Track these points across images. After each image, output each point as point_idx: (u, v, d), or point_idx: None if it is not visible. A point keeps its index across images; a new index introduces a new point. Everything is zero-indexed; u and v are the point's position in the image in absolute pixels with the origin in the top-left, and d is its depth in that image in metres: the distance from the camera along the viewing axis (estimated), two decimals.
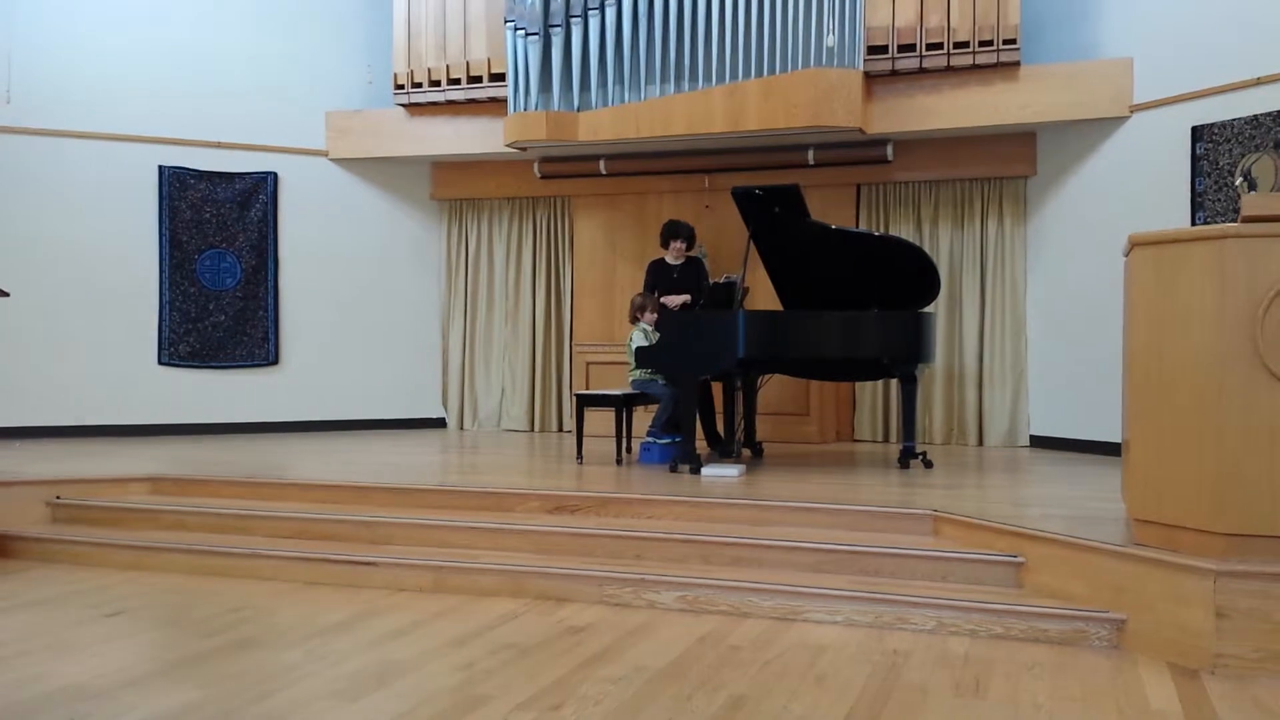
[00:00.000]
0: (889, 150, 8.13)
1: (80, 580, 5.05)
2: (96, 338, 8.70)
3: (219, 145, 9.04)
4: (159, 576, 5.14)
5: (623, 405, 6.88)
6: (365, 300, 9.48)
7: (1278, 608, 3.48)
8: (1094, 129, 7.59)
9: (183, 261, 8.93)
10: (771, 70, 7.66)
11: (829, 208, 8.22)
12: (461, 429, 9.64)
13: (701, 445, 7.14)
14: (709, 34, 7.86)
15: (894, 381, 7.95)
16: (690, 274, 7.54)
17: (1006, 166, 8.15)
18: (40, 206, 8.57)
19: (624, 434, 6.92)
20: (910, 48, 7.64)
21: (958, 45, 7.55)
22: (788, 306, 7.11)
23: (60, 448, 7.82)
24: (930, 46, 7.60)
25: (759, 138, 8.00)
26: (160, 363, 8.90)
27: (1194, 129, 6.93)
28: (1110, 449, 6.95)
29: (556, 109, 8.19)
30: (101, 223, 8.73)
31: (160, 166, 8.86)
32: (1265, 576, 3.50)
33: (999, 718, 3.13)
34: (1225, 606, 3.53)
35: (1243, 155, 6.64)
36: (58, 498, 5.95)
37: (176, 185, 8.90)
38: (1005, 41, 7.45)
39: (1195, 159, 6.93)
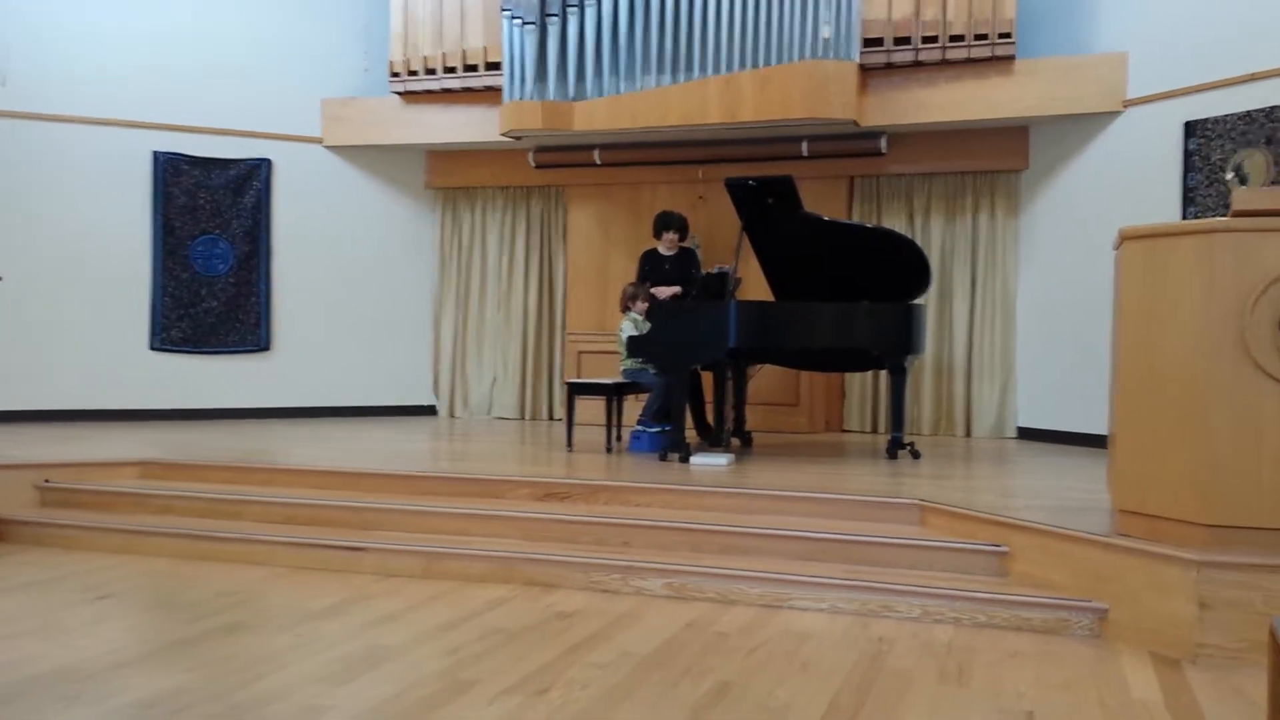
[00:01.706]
0: (883, 143, 8.14)
1: (70, 564, 5.06)
2: (89, 322, 8.69)
3: (214, 131, 9.02)
4: (148, 560, 5.15)
5: (613, 394, 6.90)
6: (358, 287, 9.48)
7: (1260, 598, 3.51)
8: (1087, 123, 7.61)
9: (176, 247, 8.92)
10: (767, 62, 7.67)
11: (822, 200, 8.22)
12: (452, 416, 9.65)
13: (691, 434, 7.15)
14: (705, 25, 7.86)
15: (883, 373, 8.00)
16: (683, 264, 7.54)
17: (999, 160, 8.17)
18: (34, 191, 8.55)
19: (614, 423, 6.95)
20: (906, 40, 7.65)
21: (953, 39, 7.56)
22: (779, 297, 7.12)
23: (51, 431, 7.81)
24: (926, 40, 7.62)
25: (754, 129, 8.00)
26: (152, 348, 8.89)
27: (1186, 124, 6.96)
28: (1097, 441, 6.98)
29: (552, 98, 8.19)
30: (95, 207, 8.71)
31: (155, 152, 8.84)
32: (1248, 568, 3.53)
33: (981, 705, 3.15)
34: (1208, 597, 3.56)
35: (1234, 151, 6.67)
36: (47, 481, 5.95)
37: (170, 171, 8.88)
38: (1000, 35, 7.46)
39: (1187, 154, 6.95)
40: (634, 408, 7.46)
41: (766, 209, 6.59)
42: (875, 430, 8.51)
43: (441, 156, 9.60)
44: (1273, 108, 6.46)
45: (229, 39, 9.05)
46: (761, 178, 6.53)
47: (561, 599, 4.42)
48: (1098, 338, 6.52)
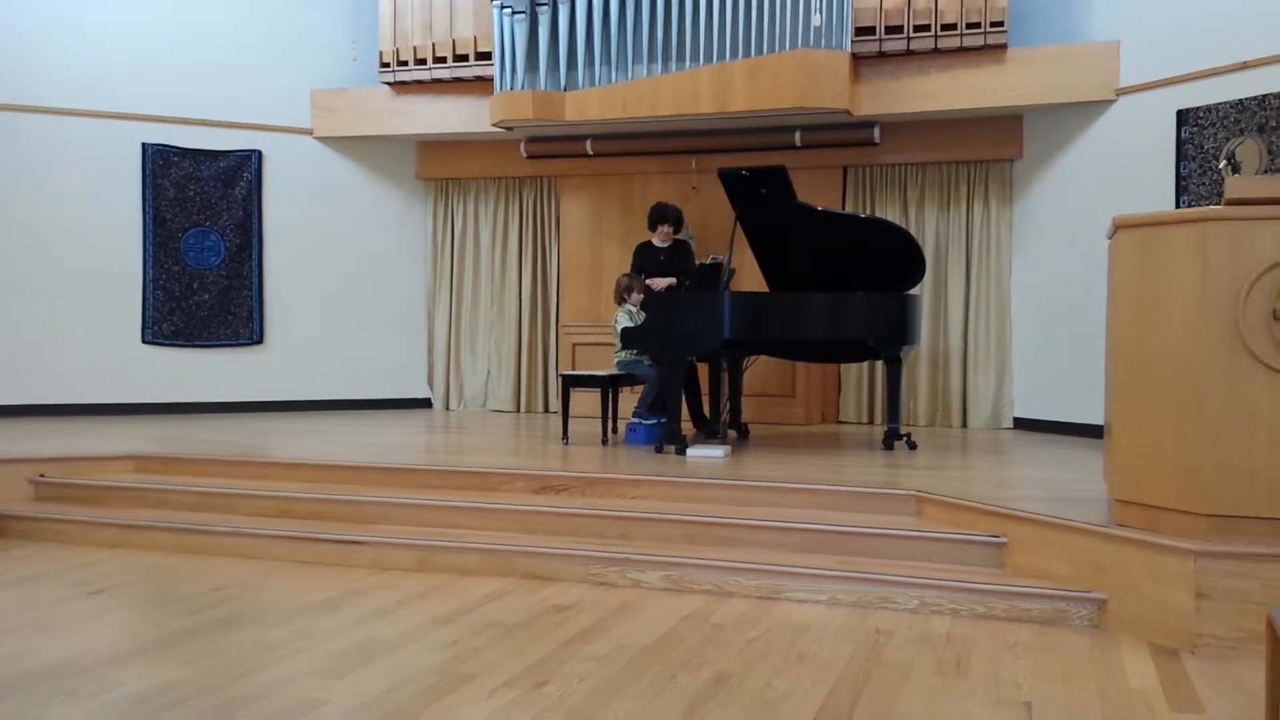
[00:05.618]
0: (876, 132, 8.12)
1: (64, 558, 5.04)
2: (80, 316, 8.65)
3: (203, 123, 8.98)
4: (143, 555, 5.14)
5: (608, 386, 6.89)
6: (350, 279, 9.45)
7: (1258, 588, 3.51)
8: (1080, 112, 7.60)
9: (167, 240, 8.88)
10: (759, 51, 7.65)
11: (816, 189, 8.22)
12: (447, 409, 9.63)
13: (687, 426, 7.15)
14: (696, 14, 7.84)
15: (879, 363, 7.99)
16: (677, 256, 7.53)
17: (993, 149, 8.16)
18: (22, 183, 8.50)
19: (610, 414, 6.94)
20: (898, 29, 7.63)
21: (945, 27, 7.54)
22: (774, 288, 7.11)
23: (44, 426, 7.78)
24: (918, 28, 7.59)
25: (746, 119, 7.99)
26: (144, 341, 8.85)
27: (1179, 112, 6.95)
28: (1093, 431, 6.98)
29: (543, 88, 8.15)
30: (84, 200, 8.66)
31: (144, 144, 8.79)
32: (1246, 557, 3.53)
33: (980, 696, 3.15)
34: (1206, 587, 3.56)
35: (1227, 139, 6.67)
36: (42, 476, 5.93)
37: (160, 163, 8.83)
38: (992, 24, 7.44)
39: (1180, 142, 6.95)
40: (629, 399, 7.45)
41: (760, 199, 6.58)
42: (871, 421, 8.51)
43: (432, 147, 9.57)
44: (1265, 96, 6.46)
45: (217, 30, 8.99)
46: (755, 168, 6.51)
47: (558, 592, 4.42)
48: (1092, 327, 6.51)
